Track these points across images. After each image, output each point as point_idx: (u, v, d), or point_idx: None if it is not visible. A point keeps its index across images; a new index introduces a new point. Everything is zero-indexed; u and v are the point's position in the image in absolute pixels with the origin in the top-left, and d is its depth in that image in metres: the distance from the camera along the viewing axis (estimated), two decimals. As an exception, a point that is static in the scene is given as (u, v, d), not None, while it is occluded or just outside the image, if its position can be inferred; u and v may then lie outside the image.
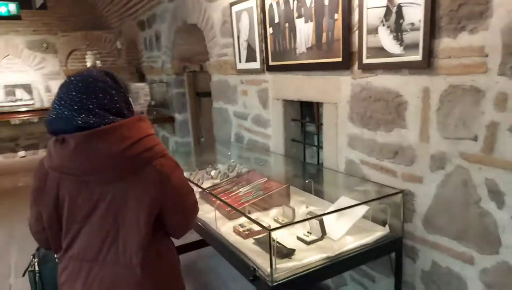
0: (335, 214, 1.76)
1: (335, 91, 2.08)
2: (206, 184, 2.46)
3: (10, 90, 7.13)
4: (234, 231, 1.82)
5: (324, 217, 1.70)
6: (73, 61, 7.78)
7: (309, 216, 1.77)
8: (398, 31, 1.63)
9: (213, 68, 3.46)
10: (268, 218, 1.96)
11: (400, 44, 1.63)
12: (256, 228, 1.75)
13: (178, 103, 4.57)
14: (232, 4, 2.84)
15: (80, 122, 1.06)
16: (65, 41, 7.55)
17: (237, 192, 2.21)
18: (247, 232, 1.77)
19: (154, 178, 1.10)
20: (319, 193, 2.26)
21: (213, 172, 2.59)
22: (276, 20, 2.40)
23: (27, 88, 7.30)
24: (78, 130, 1.05)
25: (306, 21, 2.14)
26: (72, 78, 1.12)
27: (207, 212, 2.02)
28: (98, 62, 7.69)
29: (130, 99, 1.21)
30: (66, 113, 1.07)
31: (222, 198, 2.15)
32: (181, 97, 4.58)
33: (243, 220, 1.92)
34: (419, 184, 1.69)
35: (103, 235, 1.14)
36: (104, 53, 7.79)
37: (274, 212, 2.03)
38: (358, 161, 2.02)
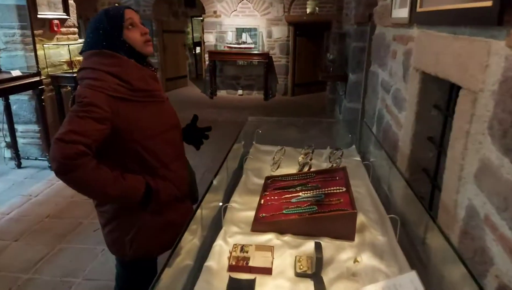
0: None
1: (476, 67, 1.04)
2: (281, 171, 1.90)
3: (239, 33, 7.98)
4: (231, 250, 1.28)
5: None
6: (295, 7, 7.84)
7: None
8: None
9: (377, 17, 2.56)
10: (295, 251, 1.28)
11: None
12: (258, 262, 1.18)
13: (354, 60, 3.81)
14: None
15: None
16: (292, -14, 7.61)
17: (295, 195, 1.57)
18: (241, 263, 1.21)
19: None
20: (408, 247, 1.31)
21: (300, 157, 1.96)
22: None
23: (253, 32, 7.96)
24: None
25: None
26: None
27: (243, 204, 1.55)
28: (317, 8, 7.46)
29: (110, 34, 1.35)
30: None
31: (265, 199, 1.58)
32: (359, 53, 3.78)
33: (265, 238, 1.34)
34: None
35: None
36: (324, -1, 7.44)
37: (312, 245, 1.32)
38: (481, 215, 0.99)
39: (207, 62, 8.15)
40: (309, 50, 8.18)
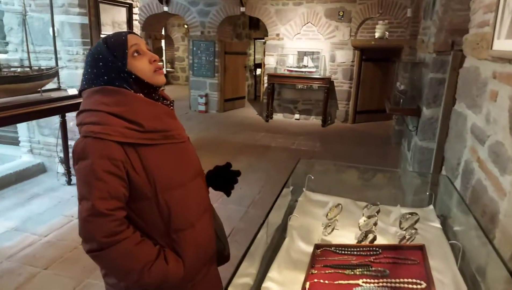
0: None
1: None
2: (335, 233, 1.51)
3: (301, 56, 7.70)
4: None
5: None
6: (363, 31, 7.43)
7: None
8: None
9: (468, 46, 2.10)
10: None
11: None
12: None
13: (430, 93, 3.30)
14: None
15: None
16: (360, 9, 7.25)
17: (353, 282, 1.17)
18: None
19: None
20: None
21: (361, 219, 1.55)
22: None
23: (315, 55, 7.65)
24: None
25: None
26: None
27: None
28: (386, 33, 6.98)
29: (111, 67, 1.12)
30: None
31: (312, 282, 1.20)
32: (437, 85, 3.27)
33: None
34: None
35: None
36: (395, 23, 6.94)
37: None
38: None
39: (265, 85, 7.97)
40: (375, 76, 7.65)
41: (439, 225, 1.64)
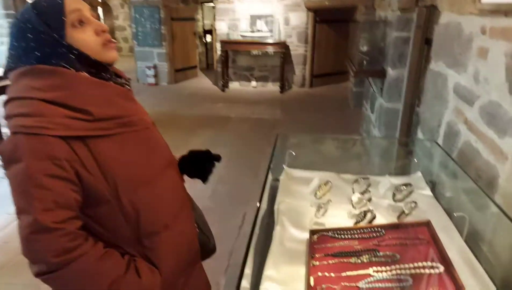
0: None
1: None
2: (330, 217, 1.37)
3: (253, 20, 7.36)
4: None
5: None
6: (315, -9, 7.18)
7: None
8: None
9: (446, 2, 1.98)
10: None
11: None
12: None
13: (395, 53, 3.21)
14: None
15: None
16: (311, -32, 6.95)
17: (362, 272, 1.04)
18: None
19: None
20: None
21: (354, 196, 1.42)
22: None
23: (268, 19, 7.34)
24: None
25: None
26: None
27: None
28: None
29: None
30: None
31: (316, 276, 1.06)
32: (401, 45, 3.18)
33: None
34: None
35: None
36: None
37: None
38: None
39: (219, 52, 7.58)
40: (330, 38, 7.53)
41: (430, 193, 1.56)
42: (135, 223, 0.91)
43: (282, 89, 7.40)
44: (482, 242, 1.24)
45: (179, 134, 4.76)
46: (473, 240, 1.25)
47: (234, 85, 7.82)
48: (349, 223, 1.35)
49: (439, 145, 1.74)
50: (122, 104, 0.91)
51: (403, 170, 1.83)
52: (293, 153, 1.76)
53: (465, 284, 1.01)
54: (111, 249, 0.90)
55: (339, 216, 1.40)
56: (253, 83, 7.75)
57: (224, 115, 5.83)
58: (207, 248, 1.23)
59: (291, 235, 1.30)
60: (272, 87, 7.67)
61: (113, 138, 0.88)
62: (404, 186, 1.44)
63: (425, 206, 1.44)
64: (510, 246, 1.15)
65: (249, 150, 4.39)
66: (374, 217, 1.28)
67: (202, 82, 8.33)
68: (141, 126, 0.96)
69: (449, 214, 1.39)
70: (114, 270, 0.87)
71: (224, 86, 7.51)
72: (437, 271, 0.99)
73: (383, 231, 1.20)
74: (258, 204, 1.28)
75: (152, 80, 7.81)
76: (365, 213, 1.28)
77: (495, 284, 1.04)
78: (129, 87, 0.99)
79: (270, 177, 1.76)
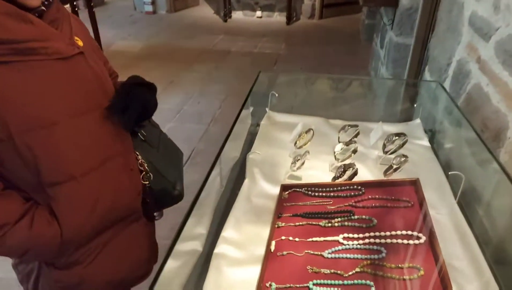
0: None
1: None
2: (306, 166, 1.21)
3: None
4: None
5: None
6: None
7: None
8: None
9: None
10: None
11: None
12: None
13: (409, -23, 2.80)
14: None
15: None
16: None
17: (330, 238, 0.90)
18: None
19: None
20: None
21: (338, 147, 1.24)
22: None
23: None
24: None
25: None
26: None
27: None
28: None
29: None
30: None
31: (278, 239, 0.93)
32: (418, -33, 2.75)
33: None
34: None
35: None
36: None
37: None
38: None
39: (221, -23, 6.94)
40: (343, -39, 6.79)
41: (427, 143, 1.37)
42: (34, 168, 0.78)
43: (289, 20, 6.86)
44: (478, 204, 1.08)
45: (174, 68, 4.49)
46: (468, 202, 1.08)
47: (237, 15, 7.28)
48: (329, 177, 1.19)
49: (443, 88, 1.50)
50: (12, 26, 0.71)
51: (403, 116, 1.62)
52: (276, 94, 1.55)
53: (451, 254, 0.87)
54: (10, 192, 0.80)
55: (318, 168, 1.23)
56: (258, 13, 7.20)
57: (224, 49, 5.48)
58: (169, 195, 1.08)
59: (261, 189, 1.15)
60: (279, 18, 7.12)
61: (6, 67, 0.71)
62: (396, 136, 1.24)
63: (419, 160, 1.26)
64: (508, 211, 0.99)
65: (247, 88, 4.15)
66: (355, 173, 1.11)
67: (204, 11, 7.77)
68: (53, 55, 0.76)
69: (446, 170, 1.21)
70: (3, 214, 0.77)
71: (226, 15, 7.00)
72: (416, 241, 0.85)
73: (363, 190, 1.04)
74: (219, 153, 1.11)
75: (149, 8, 7.29)
76: (345, 167, 1.11)
77: (485, 254, 0.90)
78: (45, 8, 0.78)
79: (249, 121, 1.58)
